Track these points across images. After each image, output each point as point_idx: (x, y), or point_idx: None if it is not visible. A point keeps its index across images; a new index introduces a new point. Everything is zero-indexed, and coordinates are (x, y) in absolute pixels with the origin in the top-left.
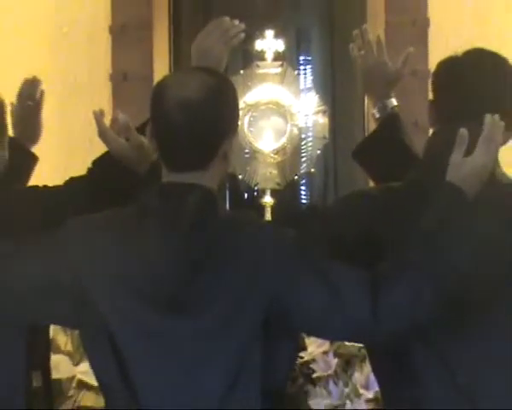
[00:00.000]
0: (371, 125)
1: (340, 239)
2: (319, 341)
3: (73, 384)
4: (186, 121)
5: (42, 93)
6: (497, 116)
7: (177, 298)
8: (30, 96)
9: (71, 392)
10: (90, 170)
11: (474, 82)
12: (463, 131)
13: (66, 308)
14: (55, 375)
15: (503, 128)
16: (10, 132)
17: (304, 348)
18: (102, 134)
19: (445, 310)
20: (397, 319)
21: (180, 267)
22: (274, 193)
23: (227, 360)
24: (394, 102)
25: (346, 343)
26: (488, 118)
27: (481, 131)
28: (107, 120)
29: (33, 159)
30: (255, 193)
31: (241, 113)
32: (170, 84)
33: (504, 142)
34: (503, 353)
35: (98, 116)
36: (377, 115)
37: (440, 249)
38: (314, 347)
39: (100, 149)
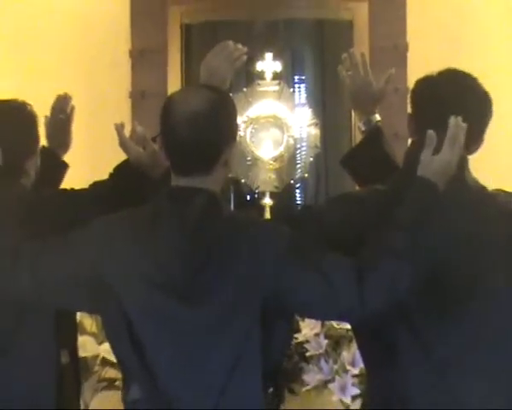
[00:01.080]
0: (357, 137)
1: (332, 237)
2: (312, 324)
3: (98, 361)
4: (191, 132)
5: (72, 108)
6: (460, 118)
7: (185, 294)
8: (62, 109)
9: (96, 368)
10: (111, 175)
11: (446, 98)
12: (431, 133)
13: (89, 300)
14: (81, 353)
15: (465, 130)
16: (44, 142)
17: (298, 331)
18: (123, 144)
19: (423, 295)
20: (379, 301)
21: (188, 265)
22: (273, 195)
23: (227, 355)
24: (378, 117)
25: (336, 326)
26: (452, 120)
27: None
28: (127, 132)
29: (64, 166)
30: (256, 195)
31: (243, 125)
32: (176, 100)
33: (473, 151)
34: (478, 337)
35: (119, 128)
36: (363, 128)
37: (416, 236)
38: (307, 329)
39: (120, 156)
